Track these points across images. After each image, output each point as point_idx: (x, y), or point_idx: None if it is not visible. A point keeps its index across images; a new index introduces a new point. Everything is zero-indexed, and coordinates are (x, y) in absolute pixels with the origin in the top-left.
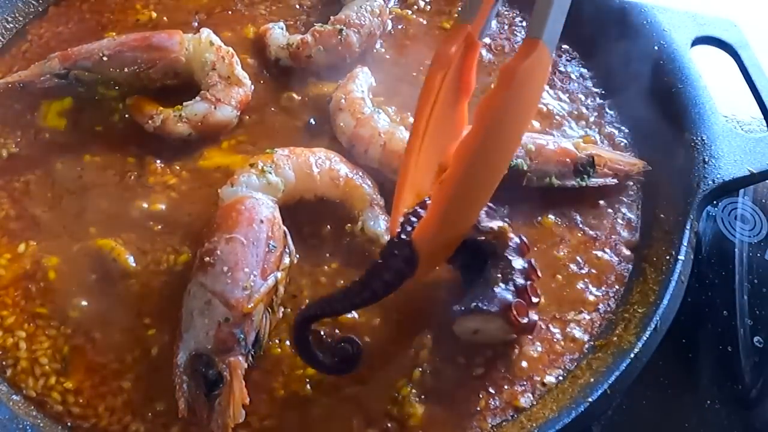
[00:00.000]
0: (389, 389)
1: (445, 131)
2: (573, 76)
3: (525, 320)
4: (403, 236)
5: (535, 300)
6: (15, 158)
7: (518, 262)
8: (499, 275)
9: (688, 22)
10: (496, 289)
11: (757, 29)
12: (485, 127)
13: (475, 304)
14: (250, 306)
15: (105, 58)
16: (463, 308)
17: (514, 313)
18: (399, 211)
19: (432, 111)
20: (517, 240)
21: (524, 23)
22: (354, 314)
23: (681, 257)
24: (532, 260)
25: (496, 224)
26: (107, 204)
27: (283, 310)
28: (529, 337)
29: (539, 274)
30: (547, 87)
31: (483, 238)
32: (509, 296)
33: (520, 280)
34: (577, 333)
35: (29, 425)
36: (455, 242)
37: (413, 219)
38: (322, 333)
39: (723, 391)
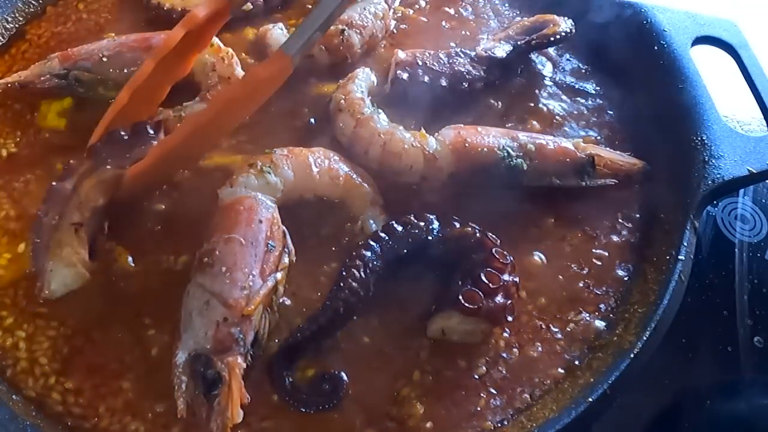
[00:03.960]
0: (389, 389)
1: (169, 75)
2: (573, 77)
3: (479, 305)
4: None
5: (493, 285)
6: (15, 158)
7: (478, 255)
8: (459, 274)
9: (688, 22)
10: (453, 287)
11: (757, 29)
12: (216, 111)
13: (433, 307)
14: (250, 308)
15: (105, 59)
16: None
17: (463, 302)
18: (103, 125)
19: (166, 57)
20: (477, 235)
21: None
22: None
23: (681, 257)
24: (495, 249)
25: (455, 231)
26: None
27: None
28: (530, 336)
29: (505, 260)
30: (547, 87)
31: (446, 247)
32: (458, 288)
33: (476, 271)
34: (577, 333)
35: (29, 425)
36: (160, 182)
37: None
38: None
39: (723, 390)
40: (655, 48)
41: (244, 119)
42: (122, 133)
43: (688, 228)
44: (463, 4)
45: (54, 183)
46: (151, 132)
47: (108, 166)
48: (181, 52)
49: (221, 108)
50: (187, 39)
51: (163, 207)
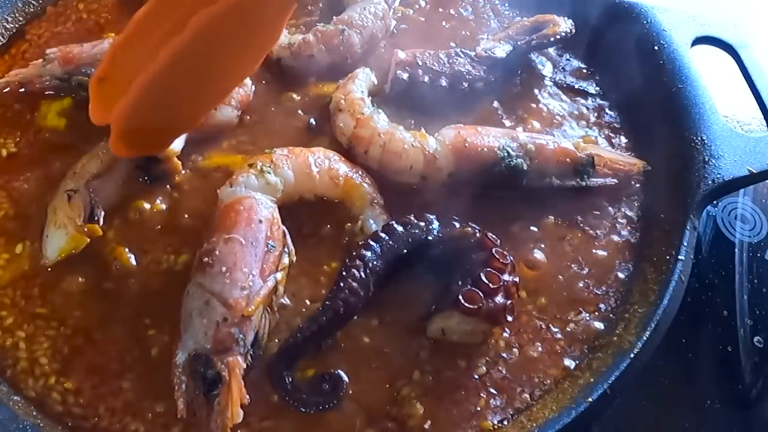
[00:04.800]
0: (389, 389)
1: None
2: (573, 76)
3: (479, 305)
4: None
5: (493, 285)
6: (14, 158)
7: (478, 256)
8: (459, 274)
9: (688, 22)
10: (453, 287)
11: (757, 29)
12: (194, 33)
13: (433, 307)
14: (250, 309)
15: None
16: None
17: (463, 302)
18: (108, 62)
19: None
20: (477, 235)
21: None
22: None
23: (681, 257)
24: (495, 249)
25: (454, 231)
26: (116, 197)
27: (285, 301)
28: (530, 336)
29: (505, 260)
30: (547, 87)
31: (446, 247)
32: (458, 288)
33: (476, 271)
34: (577, 333)
35: (29, 425)
36: (160, 134)
37: None
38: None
39: (723, 391)
40: (655, 48)
41: (249, 65)
42: None
43: (688, 228)
44: (463, 4)
45: None
46: None
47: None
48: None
49: (202, 29)
50: None
51: (164, 207)
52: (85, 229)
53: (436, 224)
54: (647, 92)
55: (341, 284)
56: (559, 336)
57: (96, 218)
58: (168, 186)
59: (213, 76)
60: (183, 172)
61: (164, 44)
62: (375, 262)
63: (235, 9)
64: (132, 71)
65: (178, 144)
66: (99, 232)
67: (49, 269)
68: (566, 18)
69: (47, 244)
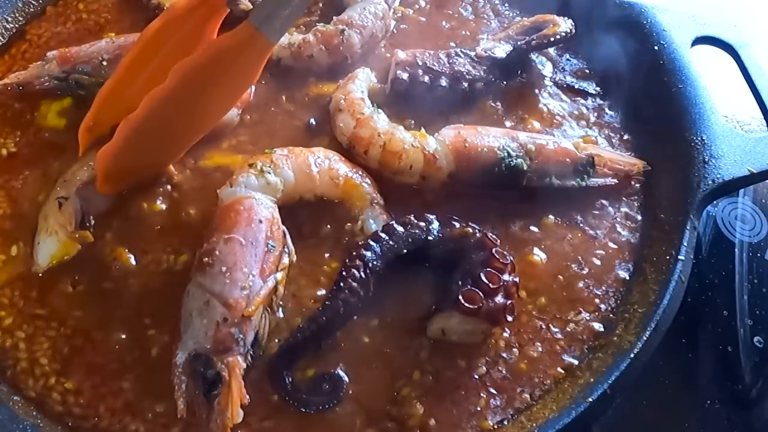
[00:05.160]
0: (389, 389)
1: (162, 71)
2: (573, 76)
3: (479, 305)
4: None
5: (493, 285)
6: (14, 158)
7: (478, 256)
8: (459, 274)
9: (688, 22)
10: (453, 287)
11: (757, 29)
12: (174, 83)
13: (433, 307)
14: (250, 309)
15: (104, 62)
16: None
17: (463, 302)
18: (97, 109)
19: (161, 51)
20: (477, 235)
21: None
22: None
23: (681, 257)
24: (495, 249)
25: (454, 231)
26: (107, 204)
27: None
28: (530, 336)
29: (505, 260)
30: (547, 87)
31: (446, 247)
32: (458, 288)
33: (476, 271)
34: (577, 333)
35: (29, 425)
36: (142, 171)
37: None
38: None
39: (723, 391)
40: (655, 48)
41: (227, 104)
42: None
43: (688, 228)
44: (463, 4)
45: None
46: None
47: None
48: (179, 47)
49: (181, 79)
50: (178, 30)
51: (164, 207)
52: (77, 236)
53: (436, 224)
54: (647, 92)
55: (341, 284)
56: (559, 336)
57: (87, 224)
58: (168, 186)
59: (193, 118)
60: (182, 173)
61: (146, 90)
62: (375, 262)
63: (214, 59)
64: (118, 116)
65: None
66: (90, 239)
67: (40, 275)
68: (566, 18)
69: (38, 251)
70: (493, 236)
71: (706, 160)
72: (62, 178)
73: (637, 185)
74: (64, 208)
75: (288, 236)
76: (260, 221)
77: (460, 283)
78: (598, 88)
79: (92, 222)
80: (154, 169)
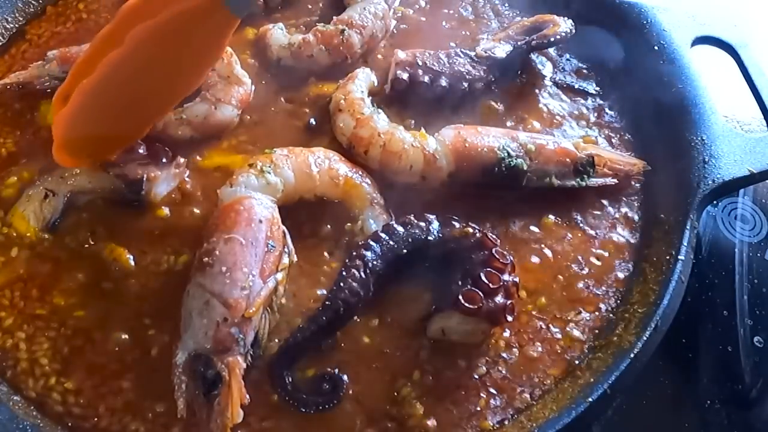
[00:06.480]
0: (389, 389)
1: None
2: (573, 76)
3: (479, 305)
4: None
5: (493, 285)
6: (14, 157)
7: (478, 256)
8: (459, 274)
9: (688, 22)
10: (453, 287)
11: (757, 29)
12: (130, 47)
13: (433, 307)
14: (251, 311)
15: None
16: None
17: (463, 302)
18: (70, 80)
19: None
20: (477, 235)
21: None
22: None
23: (681, 257)
24: (495, 249)
25: (455, 231)
26: (106, 204)
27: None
28: (530, 336)
29: (505, 260)
30: (547, 87)
31: (446, 247)
32: (458, 288)
33: (476, 271)
34: (577, 333)
35: (29, 425)
36: (101, 144)
37: None
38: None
39: (723, 391)
40: (655, 48)
41: (191, 78)
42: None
43: (688, 228)
44: (463, 4)
45: None
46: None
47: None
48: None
49: (137, 42)
50: (159, 8)
51: (163, 207)
52: (40, 232)
53: (436, 224)
54: (647, 92)
55: (341, 284)
56: (559, 336)
57: (55, 227)
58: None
59: (153, 88)
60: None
61: None
62: (375, 262)
63: (170, 25)
64: None
65: (162, 189)
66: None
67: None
68: (566, 18)
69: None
70: (493, 236)
71: (706, 160)
72: (61, 171)
73: (637, 185)
74: (48, 201)
75: (288, 236)
76: (260, 221)
77: (460, 283)
78: (598, 88)
79: (57, 224)
80: (115, 143)
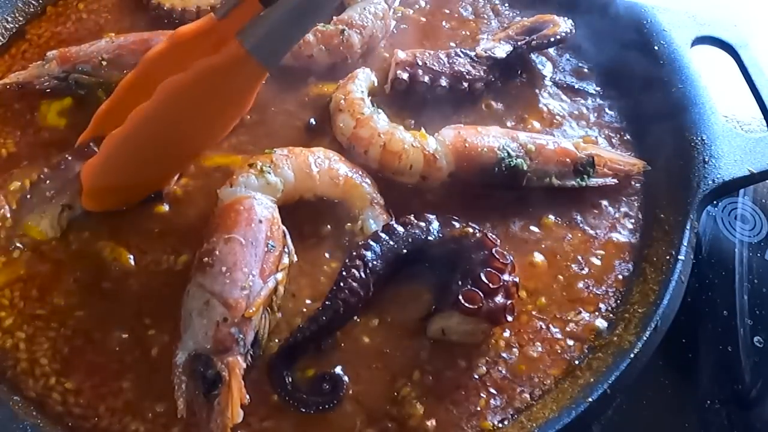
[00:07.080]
0: (389, 389)
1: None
2: (573, 76)
3: (479, 305)
4: None
5: (493, 285)
6: (14, 157)
7: (478, 256)
8: (459, 274)
9: (688, 22)
10: (453, 287)
11: (757, 29)
12: (159, 100)
13: (433, 307)
14: (251, 311)
15: (104, 62)
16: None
17: (463, 302)
18: (94, 127)
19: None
20: (477, 235)
21: None
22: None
23: (681, 257)
24: (495, 249)
25: (455, 231)
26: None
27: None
28: (530, 336)
29: (505, 260)
30: (547, 87)
31: (446, 247)
32: (458, 288)
33: (476, 271)
34: (577, 333)
35: (29, 425)
36: (127, 193)
37: None
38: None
39: (723, 391)
40: (655, 48)
41: (219, 128)
42: None
43: (688, 228)
44: (463, 4)
45: (68, 157)
46: None
47: None
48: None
49: (166, 96)
50: (183, 57)
51: (163, 207)
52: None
53: (436, 224)
54: (647, 92)
55: (341, 284)
56: (559, 336)
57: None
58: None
59: (180, 141)
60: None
61: None
62: (375, 262)
63: (201, 79)
64: None
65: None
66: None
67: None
68: (566, 18)
69: (27, 230)
70: (493, 236)
71: (706, 160)
72: (78, 185)
73: (637, 185)
74: (62, 215)
75: (288, 236)
76: (260, 221)
77: (460, 283)
78: (598, 88)
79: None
80: (141, 190)
